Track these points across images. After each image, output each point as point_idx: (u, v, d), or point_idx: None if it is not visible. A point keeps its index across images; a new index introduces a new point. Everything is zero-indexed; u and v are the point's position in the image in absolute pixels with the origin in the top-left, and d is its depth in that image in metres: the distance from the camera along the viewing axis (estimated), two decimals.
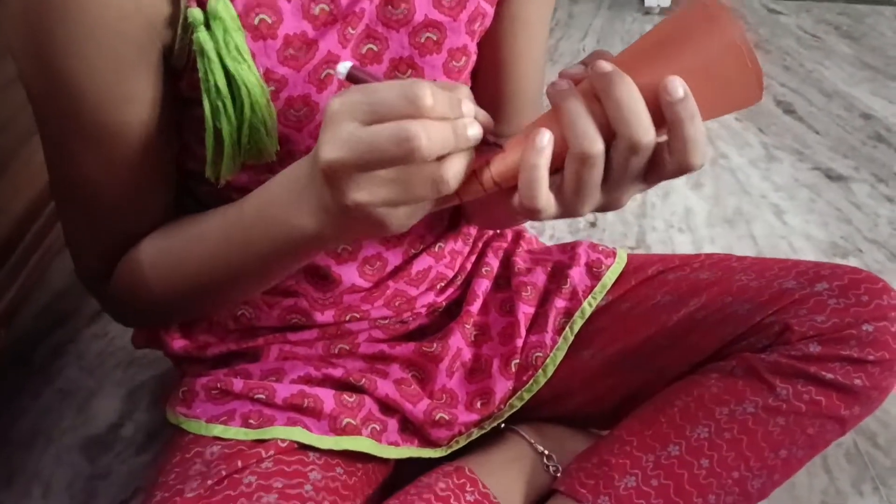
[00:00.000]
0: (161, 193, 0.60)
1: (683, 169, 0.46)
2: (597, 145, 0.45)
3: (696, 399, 0.66)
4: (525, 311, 0.73)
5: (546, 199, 0.46)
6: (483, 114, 0.47)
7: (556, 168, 0.47)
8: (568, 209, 0.47)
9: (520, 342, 0.72)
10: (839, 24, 2.04)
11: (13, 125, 0.59)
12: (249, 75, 0.52)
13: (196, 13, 0.50)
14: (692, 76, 0.45)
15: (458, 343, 0.71)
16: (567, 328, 0.73)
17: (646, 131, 0.44)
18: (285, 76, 0.55)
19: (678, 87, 0.44)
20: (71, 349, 0.97)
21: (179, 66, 0.54)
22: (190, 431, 0.63)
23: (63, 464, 0.83)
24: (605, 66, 0.45)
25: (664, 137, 0.46)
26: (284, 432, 0.62)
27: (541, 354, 0.72)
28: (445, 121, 0.44)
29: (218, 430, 0.62)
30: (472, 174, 0.48)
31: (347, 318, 0.68)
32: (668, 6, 2.04)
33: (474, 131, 0.45)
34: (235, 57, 0.51)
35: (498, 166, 0.48)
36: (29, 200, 0.84)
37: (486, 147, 0.47)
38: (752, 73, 0.46)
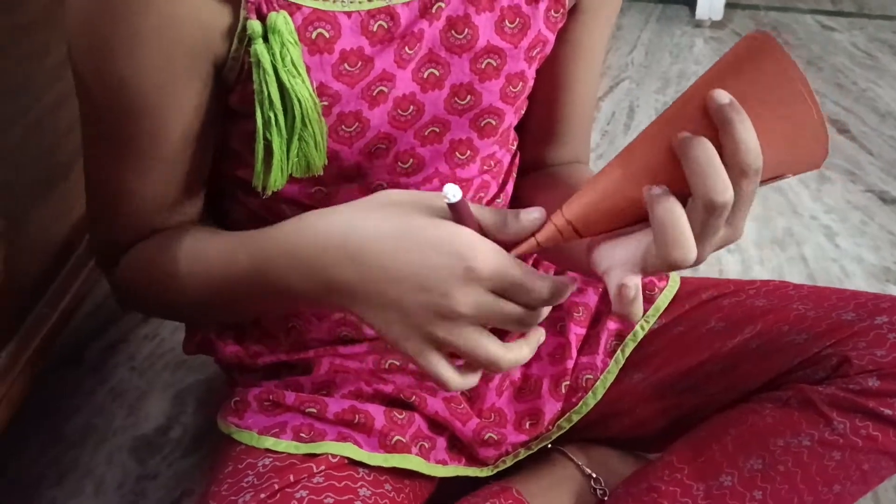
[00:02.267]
0: (188, 198, 0.61)
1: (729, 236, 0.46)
2: (728, 194, 0.44)
3: (749, 429, 0.65)
4: (576, 331, 0.73)
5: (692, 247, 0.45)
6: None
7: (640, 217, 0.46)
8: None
9: (570, 363, 0.72)
10: (893, 42, 2.00)
11: (75, 133, 0.61)
12: (303, 89, 0.52)
13: (255, 25, 0.51)
14: (759, 125, 0.44)
15: None
16: (618, 351, 0.72)
17: (722, 193, 0.44)
18: (339, 91, 0.56)
19: (724, 98, 0.44)
20: (122, 349, 0.98)
21: (231, 79, 0.55)
22: (241, 442, 0.64)
23: (114, 463, 0.84)
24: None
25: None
26: (335, 447, 0.62)
27: (591, 377, 0.72)
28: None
29: (270, 442, 0.62)
30: (559, 222, 0.49)
31: None
32: (719, 19, 2.02)
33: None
34: (290, 70, 0.52)
35: (577, 208, 0.48)
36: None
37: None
38: (819, 124, 0.44)
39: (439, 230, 0.48)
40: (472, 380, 0.51)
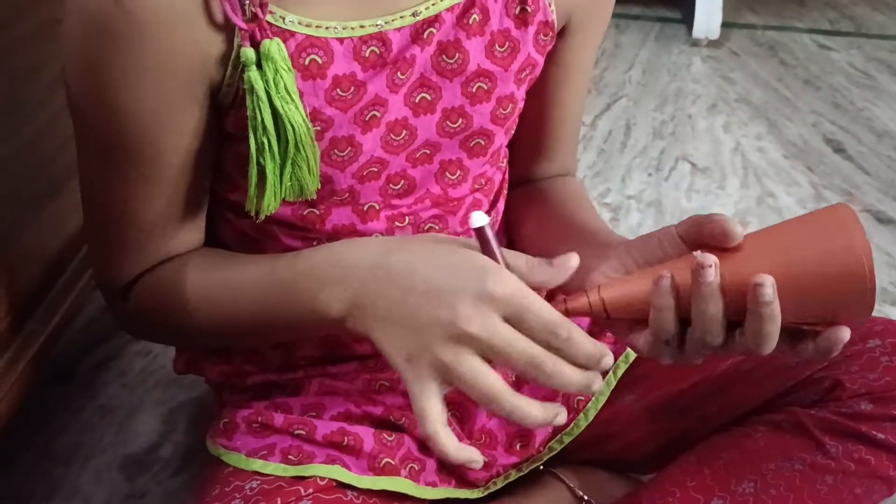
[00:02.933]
0: (190, 222, 0.61)
1: (750, 353, 0.50)
2: (719, 340, 0.50)
3: (742, 452, 0.65)
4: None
5: (675, 334, 0.50)
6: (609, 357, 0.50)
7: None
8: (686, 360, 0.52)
9: None
10: (891, 62, 2.01)
11: (69, 148, 0.61)
12: (296, 115, 0.53)
13: (249, 52, 0.52)
14: (805, 271, 0.47)
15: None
16: (610, 372, 0.72)
17: (716, 338, 0.50)
18: (332, 117, 0.56)
19: (768, 289, 0.46)
20: (113, 366, 0.98)
21: (226, 103, 0.55)
22: (230, 464, 0.63)
23: (102, 482, 0.83)
24: (710, 275, 0.48)
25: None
26: (324, 470, 0.62)
27: (582, 398, 0.71)
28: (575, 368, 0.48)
29: (258, 464, 0.62)
30: (583, 294, 0.52)
31: None
32: (716, 38, 2.03)
33: (597, 387, 0.49)
34: (284, 97, 0.52)
35: (617, 291, 0.51)
36: (82, 219, 0.86)
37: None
38: (868, 291, 0.47)
39: (465, 253, 0.50)
40: (449, 435, 0.50)
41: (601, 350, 0.48)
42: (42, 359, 0.77)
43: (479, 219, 0.49)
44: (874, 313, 0.52)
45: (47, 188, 0.81)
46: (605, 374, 0.71)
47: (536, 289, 0.49)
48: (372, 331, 0.51)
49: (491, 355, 0.48)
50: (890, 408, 0.63)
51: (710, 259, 0.48)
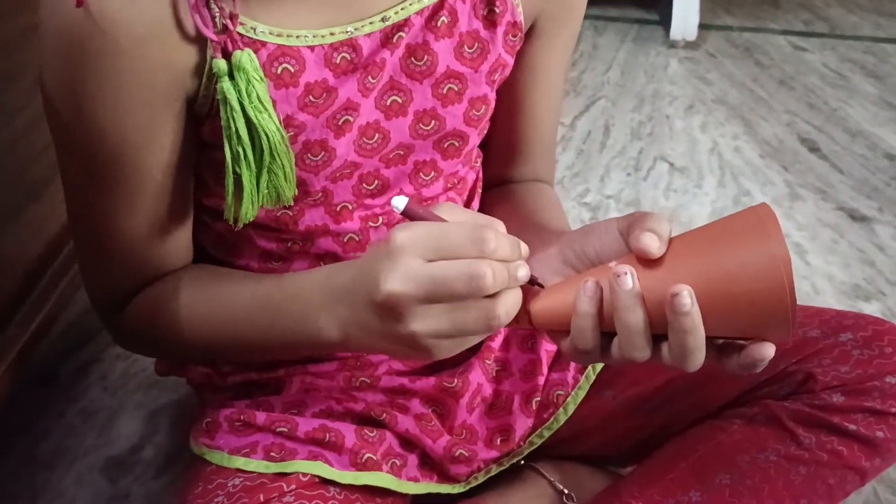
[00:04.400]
0: (178, 232, 0.62)
1: (677, 369, 0.49)
2: (645, 353, 0.49)
3: (717, 445, 0.66)
4: (547, 348, 0.74)
5: (594, 346, 0.50)
6: (525, 248, 0.50)
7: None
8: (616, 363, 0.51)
9: (541, 380, 0.72)
10: (864, 62, 2.04)
11: (49, 153, 0.61)
12: (270, 123, 0.53)
13: (221, 64, 0.52)
14: (725, 283, 0.46)
15: (479, 379, 0.71)
16: (589, 368, 0.73)
17: (641, 352, 0.49)
18: (304, 122, 0.57)
19: (685, 299, 0.46)
20: (95, 369, 0.98)
21: (202, 113, 0.56)
22: (212, 462, 0.64)
23: (84, 484, 0.83)
24: (626, 283, 0.47)
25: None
26: (306, 466, 0.62)
27: (562, 393, 0.72)
28: (504, 262, 0.47)
29: (240, 462, 0.62)
30: (522, 308, 0.50)
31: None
32: (693, 40, 2.05)
33: (524, 273, 0.49)
34: (257, 106, 0.53)
35: (544, 303, 0.51)
36: (62, 223, 0.86)
37: (528, 285, 0.50)
38: (787, 297, 0.45)
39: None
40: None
41: (515, 239, 0.49)
42: (23, 363, 0.77)
43: (399, 202, 0.48)
44: (852, 306, 0.51)
45: (27, 193, 0.81)
46: (583, 368, 0.72)
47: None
48: (372, 349, 0.52)
49: (435, 297, 0.47)
50: (861, 400, 0.64)
51: (625, 267, 0.47)
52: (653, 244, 0.47)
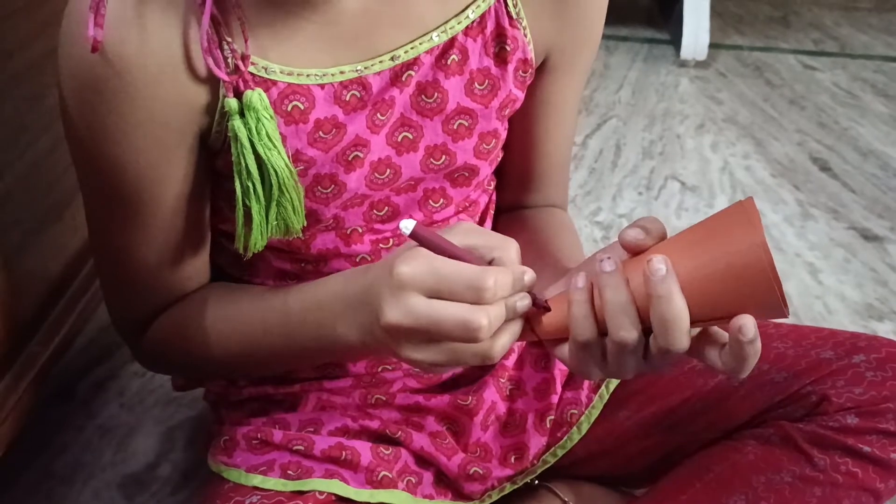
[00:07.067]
0: (195, 257, 0.64)
1: (664, 357, 0.50)
2: (632, 334, 0.49)
3: (732, 466, 0.66)
4: (561, 367, 0.74)
5: (592, 335, 0.51)
6: (530, 273, 0.51)
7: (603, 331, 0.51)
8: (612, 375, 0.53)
9: (555, 398, 0.73)
10: (875, 81, 2.04)
11: (70, 173, 0.62)
12: (279, 160, 0.55)
13: (232, 103, 0.54)
14: (711, 266, 0.48)
15: (493, 397, 0.72)
16: (603, 387, 0.73)
17: (628, 332, 0.49)
18: (314, 157, 0.58)
19: (658, 264, 0.47)
20: (112, 385, 0.99)
21: (216, 148, 0.58)
22: (230, 480, 0.64)
23: (101, 501, 0.84)
24: (607, 266, 0.49)
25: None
26: (322, 484, 0.63)
27: (576, 411, 0.73)
28: (502, 301, 0.49)
29: (257, 480, 0.63)
30: (526, 324, 0.52)
31: (380, 368, 0.70)
32: (703, 59, 2.06)
33: (524, 304, 0.50)
34: (266, 143, 0.54)
35: (547, 320, 0.52)
36: (83, 241, 0.87)
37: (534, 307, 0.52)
38: (771, 277, 0.47)
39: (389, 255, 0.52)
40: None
41: (521, 270, 0.50)
42: (43, 379, 0.78)
43: (406, 226, 0.49)
44: (864, 326, 0.52)
45: (49, 212, 0.82)
46: (597, 387, 0.73)
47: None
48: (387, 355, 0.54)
49: (431, 335, 0.49)
50: (875, 421, 0.64)
51: (606, 254, 0.50)
52: (637, 234, 0.50)
